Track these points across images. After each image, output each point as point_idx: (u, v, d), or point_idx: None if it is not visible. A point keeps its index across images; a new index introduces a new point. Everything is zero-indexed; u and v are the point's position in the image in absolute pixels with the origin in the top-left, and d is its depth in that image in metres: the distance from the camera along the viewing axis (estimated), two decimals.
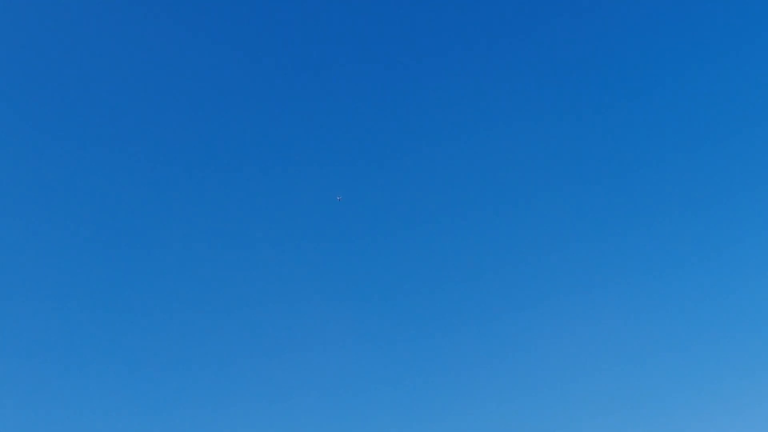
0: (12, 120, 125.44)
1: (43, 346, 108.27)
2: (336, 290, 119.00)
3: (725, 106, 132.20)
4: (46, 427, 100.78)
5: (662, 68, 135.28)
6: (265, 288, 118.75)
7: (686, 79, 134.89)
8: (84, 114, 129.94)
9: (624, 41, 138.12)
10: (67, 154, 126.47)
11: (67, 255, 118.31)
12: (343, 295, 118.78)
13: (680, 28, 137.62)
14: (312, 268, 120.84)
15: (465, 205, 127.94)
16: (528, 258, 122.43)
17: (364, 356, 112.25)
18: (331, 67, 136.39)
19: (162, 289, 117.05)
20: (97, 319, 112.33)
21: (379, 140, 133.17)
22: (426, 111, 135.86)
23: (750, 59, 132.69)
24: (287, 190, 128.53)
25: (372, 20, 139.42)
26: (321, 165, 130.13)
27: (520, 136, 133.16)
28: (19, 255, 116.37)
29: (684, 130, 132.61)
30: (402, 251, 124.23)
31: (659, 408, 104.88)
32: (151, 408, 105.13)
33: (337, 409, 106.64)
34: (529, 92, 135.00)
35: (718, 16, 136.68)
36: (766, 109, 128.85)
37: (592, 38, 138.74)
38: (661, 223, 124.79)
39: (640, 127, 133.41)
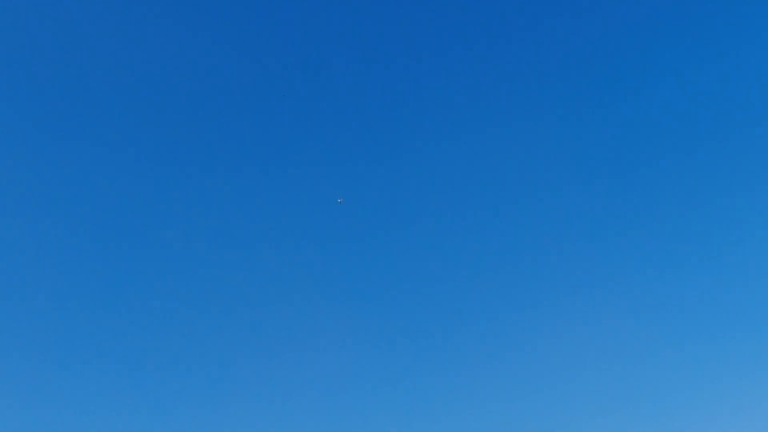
0: (12, 120, 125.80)
1: (43, 346, 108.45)
2: (336, 290, 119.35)
3: (725, 106, 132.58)
4: (46, 427, 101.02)
5: (662, 68, 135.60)
6: (265, 288, 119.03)
7: (686, 79, 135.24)
8: (84, 113, 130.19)
9: (624, 41, 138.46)
10: (67, 154, 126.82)
11: (67, 254, 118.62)
12: (343, 295, 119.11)
13: (680, 28, 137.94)
14: (312, 268, 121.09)
15: (465, 205, 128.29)
16: (528, 258, 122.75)
17: (364, 356, 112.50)
18: (331, 67, 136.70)
19: (162, 288, 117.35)
20: (97, 318, 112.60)
21: (379, 140, 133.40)
22: (426, 111, 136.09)
23: (750, 59, 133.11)
24: (287, 189, 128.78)
25: (372, 20, 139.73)
26: (321, 165, 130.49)
27: (519, 135, 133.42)
28: (19, 255, 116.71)
29: (684, 130, 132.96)
30: (402, 251, 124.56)
31: (659, 408, 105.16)
32: (151, 408, 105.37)
33: (337, 409, 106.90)
34: (529, 92, 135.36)
35: (718, 16, 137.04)
36: (765, 109, 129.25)
37: (592, 38, 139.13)
38: (661, 222, 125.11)
39: (640, 127, 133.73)
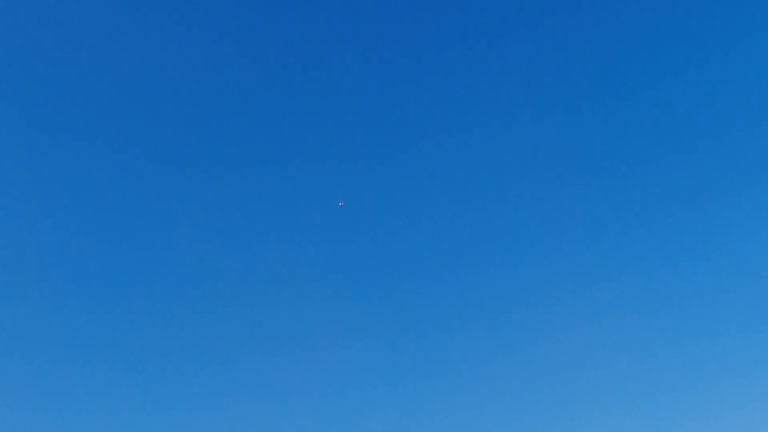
0: (11, 119, 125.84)
1: (42, 345, 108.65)
2: (336, 289, 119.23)
3: (725, 106, 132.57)
4: (46, 427, 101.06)
5: (662, 67, 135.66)
6: (265, 287, 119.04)
7: (685, 79, 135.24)
8: (83, 112, 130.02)
9: (624, 40, 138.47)
10: (66, 153, 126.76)
11: (67, 253, 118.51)
12: (344, 293, 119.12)
13: (680, 28, 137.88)
14: (313, 267, 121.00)
15: (466, 204, 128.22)
16: (530, 257, 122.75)
17: (364, 355, 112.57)
18: (331, 65, 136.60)
19: (162, 287, 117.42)
20: (96, 317, 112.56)
21: (380, 139, 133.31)
22: (426, 110, 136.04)
23: (750, 59, 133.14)
24: (287, 188, 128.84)
25: (372, 18, 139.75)
26: (321, 163, 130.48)
27: (519, 135, 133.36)
28: (19, 254, 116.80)
29: (684, 129, 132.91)
30: (403, 250, 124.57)
31: (660, 407, 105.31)
32: (152, 407, 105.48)
33: (337, 408, 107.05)
34: (529, 90, 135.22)
35: (718, 16, 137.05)
36: (765, 109, 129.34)
37: (592, 36, 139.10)
38: (662, 221, 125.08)
39: (639, 126, 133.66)
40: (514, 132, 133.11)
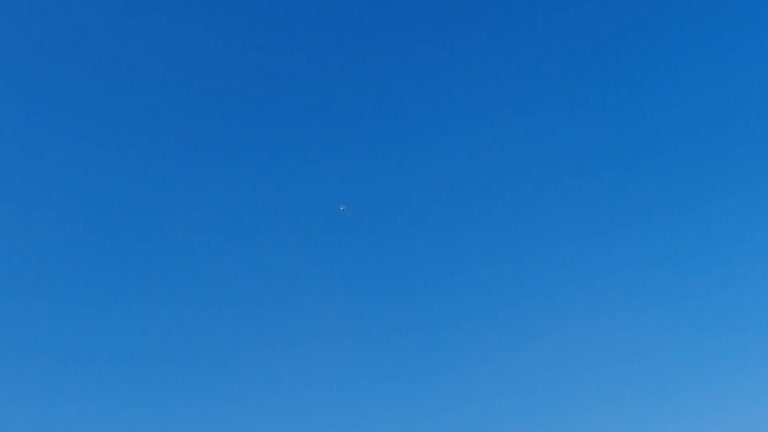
0: (11, 118, 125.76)
1: (42, 345, 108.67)
2: (336, 287, 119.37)
3: (725, 105, 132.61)
4: (46, 426, 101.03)
5: (661, 67, 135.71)
6: (266, 284, 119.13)
7: (685, 78, 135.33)
8: (82, 111, 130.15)
9: (623, 39, 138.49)
10: (65, 152, 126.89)
11: (67, 252, 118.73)
12: (344, 291, 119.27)
13: (680, 27, 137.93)
14: (312, 265, 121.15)
15: (466, 202, 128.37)
16: (530, 254, 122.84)
17: (364, 353, 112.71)
18: (332, 63, 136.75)
19: (163, 285, 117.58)
20: (96, 316, 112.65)
21: (380, 136, 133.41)
22: (426, 107, 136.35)
23: (750, 58, 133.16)
24: (286, 186, 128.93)
25: (372, 17, 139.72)
26: (320, 160, 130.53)
27: (519, 133, 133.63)
28: (19, 253, 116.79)
29: (683, 129, 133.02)
30: (403, 248, 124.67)
31: (659, 406, 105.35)
32: (152, 405, 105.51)
33: (337, 406, 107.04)
34: (528, 89, 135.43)
35: (718, 16, 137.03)
36: (764, 108, 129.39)
37: (591, 35, 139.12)
38: (662, 220, 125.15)
39: (639, 125, 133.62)
40: (513, 131, 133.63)
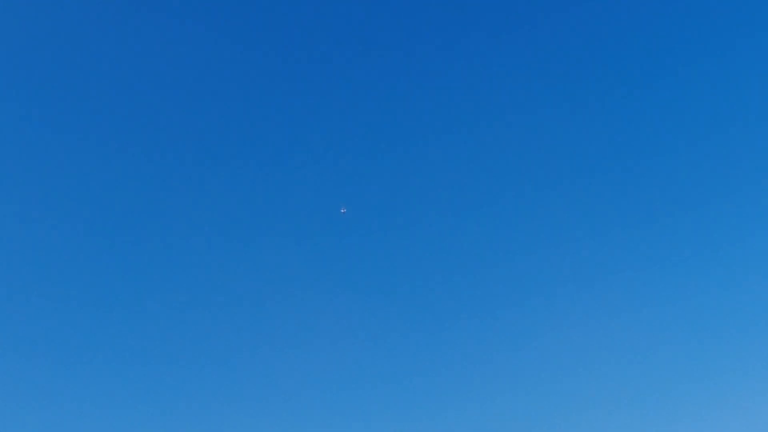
0: (11, 118, 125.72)
1: (42, 344, 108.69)
2: (336, 286, 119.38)
3: (724, 105, 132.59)
4: (46, 426, 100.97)
5: (661, 67, 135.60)
6: (266, 284, 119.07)
7: (685, 78, 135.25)
8: (82, 110, 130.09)
9: (623, 39, 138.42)
10: (65, 151, 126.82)
11: (66, 251, 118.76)
12: (343, 290, 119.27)
13: (679, 26, 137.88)
14: (313, 265, 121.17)
15: (466, 202, 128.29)
16: (531, 254, 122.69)
17: (364, 354, 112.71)
18: (332, 62, 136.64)
19: (161, 284, 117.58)
20: (96, 315, 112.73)
21: (380, 135, 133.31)
22: (425, 106, 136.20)
23: (750, 58, 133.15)
24: (286, 185, 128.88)
25: (372, 16, 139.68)
26: (320, 160, 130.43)
27: (519, 133, 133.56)
28: (18, 252, 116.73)
29: (683, 129, 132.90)
30: (403, 247, 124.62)
31: (659, 406, 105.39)
32: (152, 404, 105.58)
33: (336, 405, 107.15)
34: (528, 89, 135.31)
35: (717, 15, 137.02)
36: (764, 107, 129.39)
37: (591, 35, 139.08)
38: (662, 220, 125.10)
39: (639, 125, 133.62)
40: (513, 131, 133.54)
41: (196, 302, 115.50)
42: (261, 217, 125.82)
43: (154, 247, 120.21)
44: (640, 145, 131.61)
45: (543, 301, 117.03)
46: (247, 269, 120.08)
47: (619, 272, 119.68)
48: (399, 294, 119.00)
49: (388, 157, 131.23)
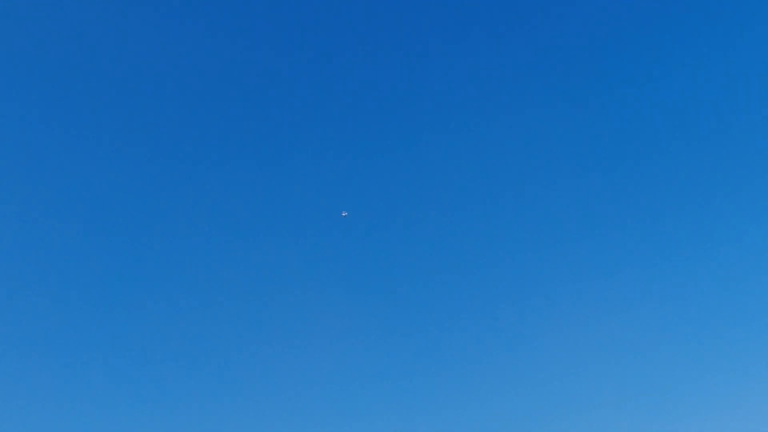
0: (11, 118, 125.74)
1: (41, 344, 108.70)
2: (336, 287, 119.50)
3: (724, 105, 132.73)
4: (46, 426, 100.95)
5: (661, 67, 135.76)
6: (265, 284, 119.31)
7: (685, 78, 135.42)
8: (82, 110, 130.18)
9: (623, 39, 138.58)
10: (65, 150, 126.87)
11: (66, 250, 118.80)
12: (344, 291, 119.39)
13: (678, 25, 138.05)
14: (312, 265, 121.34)
15: (466, 202, 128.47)
16: (530, 253, 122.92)
17: (363, 353, 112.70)
18: (332, 62, 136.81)
19: (162, 284, 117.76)
20: (96, 314, 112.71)
21: (381, 135, 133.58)
22: (425, 106, 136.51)
23: (750, 58, 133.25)
24: (288, 184, 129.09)
25: (371, 15, 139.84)
26: (322, 160, 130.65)
27: (519, 133, 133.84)
28: (17, 252, 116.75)
29: (683, 129, 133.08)
30: (402, 246, 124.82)
31: (659, 406, 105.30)
32: (151, 403, 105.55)
33: (337, 406, 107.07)
34: (527, 89, 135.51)
35: (716, 15, 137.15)
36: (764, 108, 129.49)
37: (590, 35, 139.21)
38: (662, 220, 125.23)
39: (639, 125, 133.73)
40: (513, 131, 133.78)
41: (196, 302, 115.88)
42: (261, 217, 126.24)
43: (154, 246, 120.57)
44: (641, 145, 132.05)
45: (543, 301, 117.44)
46: (247, 269, 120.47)
47: (619, 272, 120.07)
48: (399, 293, 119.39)
49: (388, 157, 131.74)
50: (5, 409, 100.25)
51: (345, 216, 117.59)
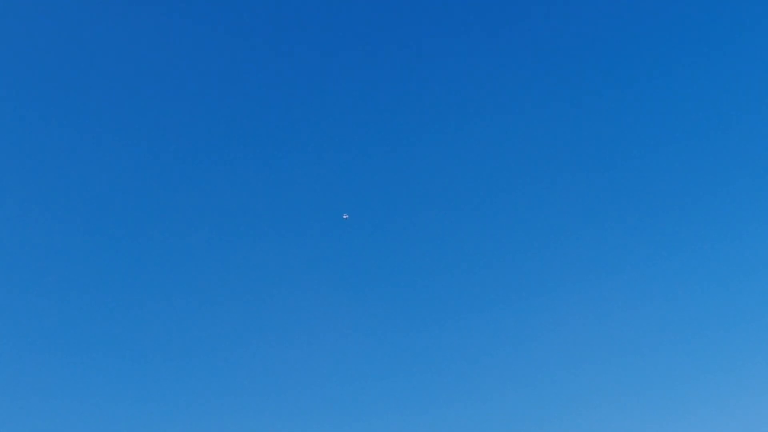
0: (11, 118, 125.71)
1: (41, 343, 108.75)
2: (336, 286, 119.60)
3: (724, 105, 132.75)
4: (46, 425, 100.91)
5: (661, 67, 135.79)
6: (265, 283, 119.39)
7: (684, 78, 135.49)
8: (82, 110, 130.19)
9: (623, 39, 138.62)
10: (66, 150, 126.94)
11: (66, 249, 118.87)
12: (343, 290, 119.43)
13: (677, 24, 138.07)
14: (312, 264, 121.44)
15: (465, 201, 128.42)
16: (531, 252, 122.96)
17: (363, 353, 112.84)
18: (332, 61, 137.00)
19: (162, 283, 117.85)
20: (96, 314, 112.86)
21: (381, 135, 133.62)
22: (424, 104, 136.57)
23: (750, 58, 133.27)
24: (288, 184, 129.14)
25: (371, 15, 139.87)
26: (322, 159, 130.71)
27: (518, 132, 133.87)
28: (17, 251, 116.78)
29: (683, 128, 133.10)
30: (402, 245, 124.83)
31: (659, 406, 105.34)
32: (151, 402, 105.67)
33: (336, 405, 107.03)
34: (526, 89, 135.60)
35: (717, 15, 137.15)
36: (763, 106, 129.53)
37: (590, 35, 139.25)
38: (662, 219, 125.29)
39: (638, 125, 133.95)
40: (513, 130, 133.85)
41: (196, 301, 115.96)
42: (261, 217, 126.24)
43: (154, 245, 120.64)
44: (641, 145, 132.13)
45: (543, 301, 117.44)
46: (247, 268, 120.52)
47: (619, 271, 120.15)
48: (399, 293, 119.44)
49: (388, 156, 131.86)
50: (5, 409, 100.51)
51: (346, 218, 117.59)
